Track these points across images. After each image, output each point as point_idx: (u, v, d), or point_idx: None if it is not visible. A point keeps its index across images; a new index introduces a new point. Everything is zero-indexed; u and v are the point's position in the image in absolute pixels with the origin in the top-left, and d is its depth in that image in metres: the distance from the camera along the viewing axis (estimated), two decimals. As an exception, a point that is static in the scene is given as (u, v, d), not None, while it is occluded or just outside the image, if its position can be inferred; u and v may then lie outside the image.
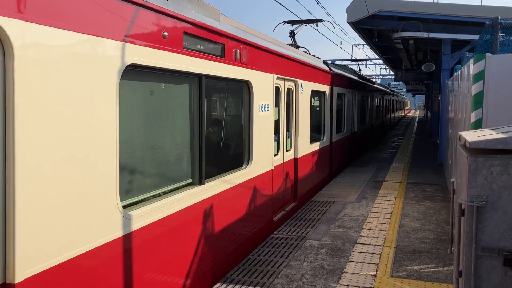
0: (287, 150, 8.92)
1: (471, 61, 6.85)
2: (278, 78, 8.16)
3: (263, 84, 7.32)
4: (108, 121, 3.71)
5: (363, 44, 34.35)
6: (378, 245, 6.89)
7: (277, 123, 8.25)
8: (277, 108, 8.23)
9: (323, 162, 11.82)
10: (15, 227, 2.91)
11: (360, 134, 18.26)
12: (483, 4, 15.62)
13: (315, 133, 11.28)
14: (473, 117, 6.67)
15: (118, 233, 3.86)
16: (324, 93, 11.80)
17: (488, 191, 3.34)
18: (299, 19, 14.20)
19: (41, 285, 3.11)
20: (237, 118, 7.02)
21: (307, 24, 14.18)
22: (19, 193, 2.92)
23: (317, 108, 11.44)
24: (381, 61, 40.61)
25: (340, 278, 5.63)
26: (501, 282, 3.34)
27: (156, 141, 4.84)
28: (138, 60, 4.14)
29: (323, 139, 11.85)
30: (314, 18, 14.05)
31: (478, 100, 6.60)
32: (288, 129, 9.06)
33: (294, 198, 9.46)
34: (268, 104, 7.54)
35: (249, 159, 6.98)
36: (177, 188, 5.16)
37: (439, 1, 16.41)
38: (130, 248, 4.02)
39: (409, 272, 5.85)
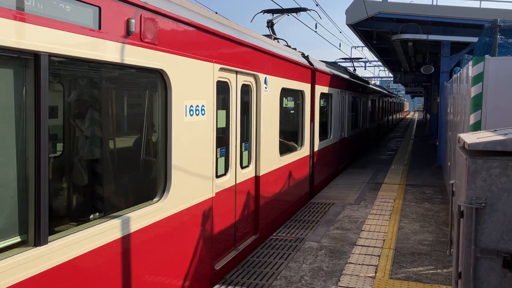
0: (243, 167, 6.82)
1: (470, 63, 6.86)
2: (223, 69, 6.01)
3: (192, 76, 5.14)
4: None
5: (362, 46, 34.43)
6: (377, 247, 6.89)
7: (225, 132, 6.26)
8: (224, 111, 6.23)
9: (300, 177, 9.73)
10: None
11: (352, 140, 16.46)
12: (482, 6, 15.62)
13: (290, 141, 9.52)
14: (472, 119, 6.68)
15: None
16: (302, 92, 9.78)
17: (487, 193, 3.34)
18: (279, 7, 12.18)
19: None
20: (136, 127, 5.18)
21: (289, 14, 12.28)
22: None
23: (292, 111, 9.52)
24: (380, 63, 40.68)
25: (339, 280, 5.63)
26: (500, 283, 3.34)
27: None
28: None
29: (300, 149, 9.78)
30: (298, 6, 12.27)
31: (477, 102, 6.62)
32: (246, 139, 7.02)
33: (255, 230, 7.33)
34: (203, 106, 5.40)
35: (165, 188, 4.72)
36: None
37: (438, 4, 16.47)
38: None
39: (408, 274, 5.85)
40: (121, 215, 4.03)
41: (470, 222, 3.37)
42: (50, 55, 3.26)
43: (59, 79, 4.38)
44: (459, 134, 4.29)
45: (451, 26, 15.89)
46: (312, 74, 10.56)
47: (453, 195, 4.29)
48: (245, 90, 6.92)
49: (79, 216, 4.30)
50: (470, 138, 3.75)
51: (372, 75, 55.23)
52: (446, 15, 15.04)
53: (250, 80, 6.97)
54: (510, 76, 6.51)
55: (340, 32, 19.25)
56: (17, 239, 3.23)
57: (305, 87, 9.92)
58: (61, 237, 3.41)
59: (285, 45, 9.97)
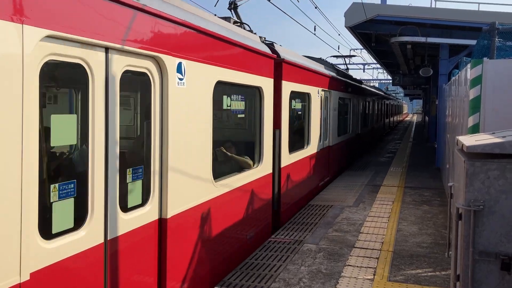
0: (128, 209, 4.22)
1: (469, 66, 6.88)
2: (65, 40, 3.39)
3: None
4: None
5: (361, 49, 34.46)
6: (375, 249, 6.88)
7: (72, 154, 4.22)
8: (74, 117, 3.86)
9: (255, 207, 7.16)
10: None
11: (339, 148, 14.16)
12: (480, 9, 15.66)
13: (240, 157, 7.07)
14: (470, 122, 6.69)
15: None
16: (259, 90, 7.29)
17: (486, 195, 3.35)
18: None
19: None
20: None
21: None
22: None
23: (241, 115, 7.27)
24: (379, 66, 40.75)
25: (338, 282, 5.62)
26: (498, 286, 3.34)
27: None
28: None
29: (257, 166, 7.20)
30: None
31: (476, 105, 6.63)
32: (141, 160, 4.55)
33: None
34: None
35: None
36: None
37: (437, 6, 16.50)
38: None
39: (406, 276, 5.85)
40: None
41: (469, 224, 3.37)
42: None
43: None
44: (457, 137, 4.30)
45: (450, 28, 15.93)
46: (278, 67, 8.15)
47: (451, 197, 4.30)
48: (137, 81, 4.57)
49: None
50: (468, 140, 3.76)
51: (371, 78, 55.26)
52: (444, 18, 15.08)
53: (145, 66, 4.38)
54: (509, 79, 6.52)
55: (339, 35, 19.29)
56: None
57: (265, 83, 7.38)
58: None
59: (248, 31, 7.75)
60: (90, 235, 3.66)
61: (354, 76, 18.87)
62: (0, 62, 2.84)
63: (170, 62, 4.65)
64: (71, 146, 4.27)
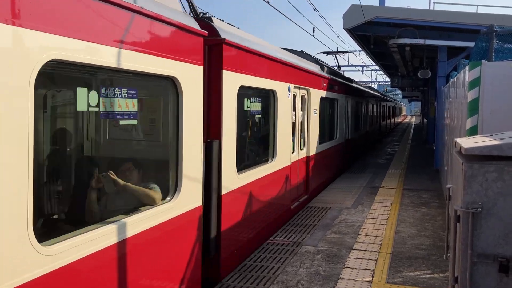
0: None
1: (467, 68, 6.89)
2: None
3: None
4: None
5: (360, 51, 34.49)
6: (374, 251, 6.88)
7: None
8: None
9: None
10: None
11: (322, 158, 11.78)
12: (478, 11, 15.71)
13: (140, 182, 4.73)
14: (468, 124, 6.70)
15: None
16: (173, 81, 4.81)
17: (484, 198, 3.35)
18: None
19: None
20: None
21: None
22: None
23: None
24: (377, 68, 40.79)
25: (336, 284, 5.62)
26: (496, 288, 3.34)
27: None
28: None
29: (170, 200, 4.80)
30: None
31: (474, 107, 6.63)
32: None
33: None
34: None
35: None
36: None
37: (435, 9, 16.54)
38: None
39: (405, 278, 5.85)
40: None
41: (467, 226, 3.38)
42: None
43: None
44: (455, 139, 4.30)
45: (448, 31, 15.96)
46: (214, 50, 5.81)
47: (449, 199, 4.30)
48: None
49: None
50: (466, 142, 3.76)
51: (369, 80, 55.27)
52: (443, 20, 15.11)
53: None
54: (507, 81, 6.54)
55: (338, 37, 19.35)
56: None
57: (184, 71, 4.88)
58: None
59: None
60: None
61: (352, 77, 17.85)
62: None
63: None
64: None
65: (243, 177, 6.58)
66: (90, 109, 3.91)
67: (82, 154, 4.47)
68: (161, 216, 4.50)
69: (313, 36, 19.92)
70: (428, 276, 5.93)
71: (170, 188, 4.84)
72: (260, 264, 6.34)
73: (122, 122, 4.37)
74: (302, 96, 9.93)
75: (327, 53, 19.46)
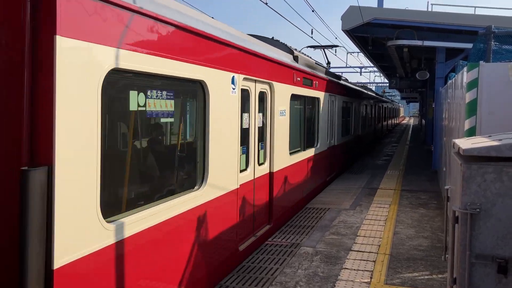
0: None
1: (465, 69, 6.89)
2: None
3: None
4: None
5: (358, 52, 34.56)
6: (372, 252, 6.88)
7: None
8: None
9: None
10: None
11: (296, 172, 9.51)
12: (476, 13, 15.74)
13: None
14: (467, 125, 6.70)
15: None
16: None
17: (482, 198, 3.35)
18: None
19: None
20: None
21: None
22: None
23: None
24: (375, 69, 40.85)
25: (335, 286, 5.61)
26: (495, 289, 3.34)
27: None
28: None
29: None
30: None
31: (472, 108, 6.64)
32: None
33: None
34: None
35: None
36: None
37: (433, 10, 16.57)
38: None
39: (403, 279, 5.84)
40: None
41: (465, 227, 3.37)
42: None
43: None
44: (454, 140, 4.30)
45: (446, 32, 15.99)
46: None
47: (448, 200, 4.30)
48: None
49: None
50: (465, 143, 3.76)
51: (368, 81, 55.39)
52: (441, 21, 15.13)
53: None
54: (504, 82, 6.54)
55: (336, 38, 19.31)
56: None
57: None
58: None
59: None
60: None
61: (351, 79, 16.89)
62: None
63: None
64: None
65: (133, 225, 4.11)
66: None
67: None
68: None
69: (312, 37, 19.96)
70: (426, 277, 5.93)
71: None
72: (258, 266, 6.33)
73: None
74: (261, 92, 7.44)
75: (314, 47, 17.08)
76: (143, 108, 4.44)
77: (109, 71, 3.74)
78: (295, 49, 10.40)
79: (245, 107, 6.83)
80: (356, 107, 18.13)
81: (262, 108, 7.64)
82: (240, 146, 6.56)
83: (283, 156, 8.50)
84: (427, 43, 15.89)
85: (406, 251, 6.96)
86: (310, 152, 10.72)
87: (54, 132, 3.20)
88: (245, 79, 6.65)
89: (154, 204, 4.53)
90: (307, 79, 10.21)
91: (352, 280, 5.78)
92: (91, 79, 3.56)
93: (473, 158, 3.46)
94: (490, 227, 3.34)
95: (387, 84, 36.47)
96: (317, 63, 12.31)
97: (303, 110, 10.34)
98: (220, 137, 5.84)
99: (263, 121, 7.69)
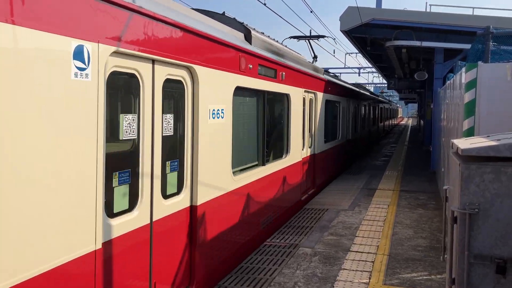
0: None
1: (463, 69, 6.90)
2: None
3: None
4: None
5: (356, 53, 34.61)
6: (371, 252, 6.87)
7: None
8: None
9: None
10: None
11: (262, 187, 7.62)
12: (474, 13, 15.75)
13: None
14: (465, 125, 6.71)
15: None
16: None
17: (481, 199, 3.34)
18: None
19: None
20: None
21: None
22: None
23: None
24: (374, 70, 40.89)
25: (333, 286, 5.60)
26: (493, 289, 3.33)
27: None
28: None
29: None
30: None
31: (470, 108, 6.65)
32: None
33: None
34: None
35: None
36: None
37: (432, 11, 16.59)
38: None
39: (402, 280, 5.84)
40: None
41: (464, 227, 3.37)
42: None
43: None
44: (452, 140, 4.30)
45: (445, 32, 16.01)
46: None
47: (446, 200, 4.30)
48: None
49: None
50: (463, 144, 3.76)
51: (366, 82, 55.37)
52: (439, 22, 15.15)
53: None
54: (503, 82, 6.55)
55: (334, 39, 19.29)
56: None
57: None
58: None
59: None
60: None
61: (350, 80, 15.89)
62: None
63: None
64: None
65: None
66: None
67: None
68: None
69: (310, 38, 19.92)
70: (425, 277, 5.92)
71: None
72: (257, 266, 6.32)
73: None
74: (172, 80, 4.87)
75: (298, 37, 14.99)
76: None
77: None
78: (253, 29, 7.80)
79: (126, 103, 4.27)
80: (348, 107, 16.19)
81: (178, 107, 5.09)
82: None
83: (219, 179, 5.87)
84: (426, 43, 15.91)
85: (405, 251, 6.95)
86: (275, 167, 8.26)
87: None
88: (120, 54, 3.96)
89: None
90: (268, 68, 7.64)
91: (350, 281, 5.78)
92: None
93: (471, 158, 3.46)
94: (489, 227, 3.34)
95: (386, 85, 36.49)
96: (297, 53, 10.29)
97: (262, 110, 7.78)
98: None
99: (177, 127, 5.05)
